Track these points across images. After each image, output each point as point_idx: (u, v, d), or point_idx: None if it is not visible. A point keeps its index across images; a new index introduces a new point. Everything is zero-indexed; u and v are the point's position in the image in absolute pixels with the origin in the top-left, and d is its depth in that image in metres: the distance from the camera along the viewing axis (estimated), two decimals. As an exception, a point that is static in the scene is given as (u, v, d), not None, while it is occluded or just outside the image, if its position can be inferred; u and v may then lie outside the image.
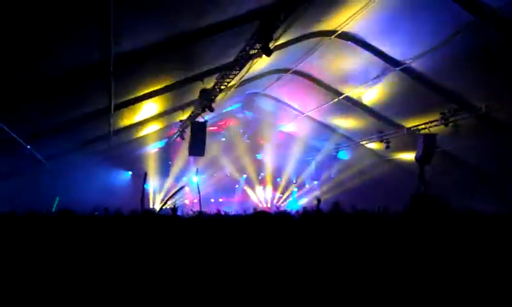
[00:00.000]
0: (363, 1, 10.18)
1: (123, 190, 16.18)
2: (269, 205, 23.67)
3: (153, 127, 16.51)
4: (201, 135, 14.16)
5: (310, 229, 5.08)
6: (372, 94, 14.32)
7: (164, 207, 13.44)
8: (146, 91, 12.00)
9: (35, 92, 8.87)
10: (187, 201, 21.68)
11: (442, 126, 13.18)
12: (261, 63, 12.17)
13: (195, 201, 21.23)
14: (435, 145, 13.95)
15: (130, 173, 19.85)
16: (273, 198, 24.07)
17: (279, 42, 10.83)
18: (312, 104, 17.13)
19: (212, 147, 19.79)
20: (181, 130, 16.14)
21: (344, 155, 20.20)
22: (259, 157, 24.05)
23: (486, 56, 10.17)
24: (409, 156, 15.79)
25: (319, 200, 6.87)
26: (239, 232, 4.54)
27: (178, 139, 16.93)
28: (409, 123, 14.87)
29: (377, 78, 13.06)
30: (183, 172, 20.92)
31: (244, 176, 23.98)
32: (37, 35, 7.02)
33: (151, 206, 19.30)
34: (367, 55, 12.21)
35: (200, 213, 5.94)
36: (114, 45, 8.08)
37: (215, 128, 21.36)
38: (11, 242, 4.11)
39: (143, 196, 9.43)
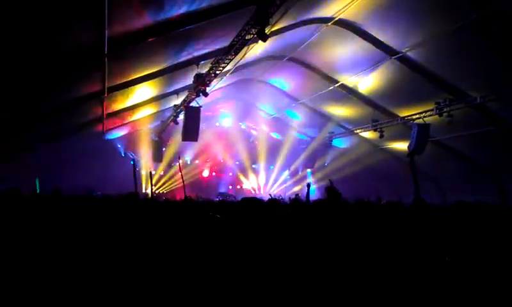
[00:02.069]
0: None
1: (118, 173, 16.17)
2: (262, 192, 23.82)
3: (147, 111, 16.46)
4: (195, 121, 14.10)
5: (299, 216, 5.17)
6: (367, 82, 14.34)
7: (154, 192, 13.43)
8: (140, 75, 11.96)
9: (28, 73, 8.80)
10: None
11: (436, 116, 13.28)
12: (257, 49, 12.28)
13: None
14: (428, 135, 14.01)
15: (123, 153, 19.91)
16: (266, 185, 24.23)
17: (275, 28, 10.75)
18: (307, 91, 17.12)
19: (206, 132, 19.79)
20: (175, 115, 16.08)
21: (339, 143, 20.27)
22: (252, 140, 24.18)
23: (482, 47, 10.21)
24: (403, 145, 15.88)
25: (308, 185, 6.99)
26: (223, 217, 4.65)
27: (172, 124, 16.89)
28: (404, 113, 14.94)
29: (373, 66, 13.10)
30: (177, 157, 20.93)
31: (237, 162, 24.11)
32: (32, 16, 6.94)
33: (144, 190, 19.36)
34: (363, 43, 12.19)
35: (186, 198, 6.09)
36: (109, 27, 8.01)
37: (209, 113, 21.30)
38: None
39: (136, 180, 9.42)
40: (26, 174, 12.73)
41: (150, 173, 9.09)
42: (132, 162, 15.69)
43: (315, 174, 21.43)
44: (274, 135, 23.64)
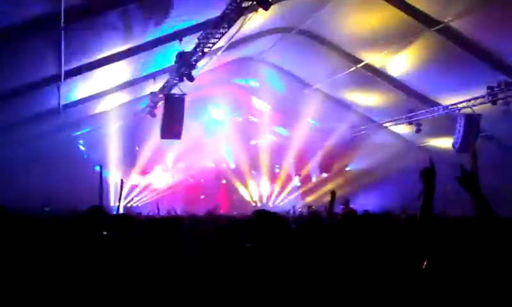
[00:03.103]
0: None
1: (78, 181, 16.23)
2: (265, 203, 23.81)
3: (116, 101, 16.52)
4: (177, 113, 14.06)
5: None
6: (399, 62, 14.37)
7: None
8: (106, 54, 11.98)
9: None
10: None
11: (489, 105, 13.28)
12: (257, 20, 12.21)
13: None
14: (479, 129, 14.08)
15: (85, 155, 19.99)
16: (270, 194, 24.20)
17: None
18: (322, 74, 17.15)
19: (192, 128, 19.73)
20: (152, 105, 16.11)
21: (364, 140, 20.25)
22: (253, 142, 24.13)
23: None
24: (446, 142, 15.94)
25: (333, 194, 6.88)
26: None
27: (148, 117, 16.89)
28: (447, 100, 15.01)
29: (407, 41, 13.06)
30: (154, 159, 21.05)
31: (233, 165, 24.11)
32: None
33: (112, 203, 19.36)
34: (394, 11, 12.13)
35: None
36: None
37: (195, 102, 21.26)
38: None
39: (101, 190, 9.45)
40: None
41: (122, 181, 9.12)
42: (98, 168, 15.69)
43: (335, 180, 21.44)
44: (279, 130, 23.60)
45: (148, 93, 15.98)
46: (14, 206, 6.18)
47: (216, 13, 10.89)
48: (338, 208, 11.69)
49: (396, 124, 17.59)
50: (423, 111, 15.82)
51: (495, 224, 3.61)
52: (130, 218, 5.73)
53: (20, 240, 4.72)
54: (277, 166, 24.03)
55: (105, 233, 4.76)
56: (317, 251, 4.66)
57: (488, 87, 13.11)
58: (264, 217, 4.02)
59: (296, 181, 24.02)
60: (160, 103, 14.90)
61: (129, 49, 12.10)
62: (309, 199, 21.82)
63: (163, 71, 14.55)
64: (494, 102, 13.09)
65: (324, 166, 21.73)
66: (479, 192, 3.48)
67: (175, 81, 13.51)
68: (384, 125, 18.26)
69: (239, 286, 3.74)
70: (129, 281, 4.06)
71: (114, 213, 10.33)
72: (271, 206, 23.11)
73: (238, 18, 10.46)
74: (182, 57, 12.30)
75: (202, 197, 22.77)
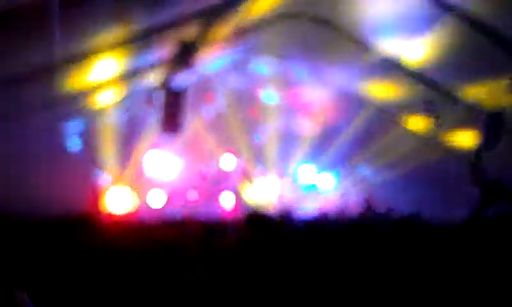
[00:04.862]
0: None
1: (68, 180, 16.06)
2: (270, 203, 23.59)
3: (112, 93, 16.38)
4: (178, 106, 14.19)
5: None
6: (416, 51, 14.29)
7: None
8: (102, 42, 11.84)
9: None
10: None
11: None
12: (264, 5, 12.46)
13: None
14: (503, 125, 14.19)
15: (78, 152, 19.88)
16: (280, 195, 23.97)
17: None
18: (333, 64, 17.14)
19: (192, 121, 19.64)
20: (150, 97, 16.07)
21: (377, 134, 20.13)
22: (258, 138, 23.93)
23: None
24: (466, 137, 16.30)
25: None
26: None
27: (146, 110, 16.91)
28: (468, 93, 15.00)
29: (425, 28, 12.90)
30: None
31: (238, 165, 23.91)
32: None
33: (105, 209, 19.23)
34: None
35: None
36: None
37: (198, 95, 21.20)
38: None
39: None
40: None
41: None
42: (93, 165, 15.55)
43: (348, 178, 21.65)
44: (288, 125, 23.38)
45: (147, 84, 16.01)
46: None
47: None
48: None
49: (413, 118, 17.74)
50: (442, 105, 15.66)
51: None
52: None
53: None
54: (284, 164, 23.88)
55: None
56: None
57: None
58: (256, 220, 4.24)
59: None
60: (160, 96, 14.79)
61: (127, 37, 11.86)
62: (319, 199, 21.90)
63: (163, 61, 14.37)
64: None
65: (335, 163, 21.64)
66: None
67: (175, 72, 13.60)
68: (400, 119, 18.50)
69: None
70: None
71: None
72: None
73: (243, 3, 10.40)
74: (183, 46, 12.45)
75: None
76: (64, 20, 9.07)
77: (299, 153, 22.42)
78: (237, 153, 23.57)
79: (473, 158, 14.14)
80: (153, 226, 5.66)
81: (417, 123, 17.86)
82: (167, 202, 18.21)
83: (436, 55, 13.96)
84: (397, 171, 18.44)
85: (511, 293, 3.71)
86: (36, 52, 10.79)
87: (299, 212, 15.53)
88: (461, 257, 4.33)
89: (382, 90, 17.43)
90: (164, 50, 13.45)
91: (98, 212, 18.18)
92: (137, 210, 19.93)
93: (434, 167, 18.20)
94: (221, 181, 23.77)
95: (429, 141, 18.31)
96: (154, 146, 19.74)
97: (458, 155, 17.53)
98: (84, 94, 15.01)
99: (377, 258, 4.61)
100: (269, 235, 4.54)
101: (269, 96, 22.30)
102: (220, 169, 23.74)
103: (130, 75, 15.06)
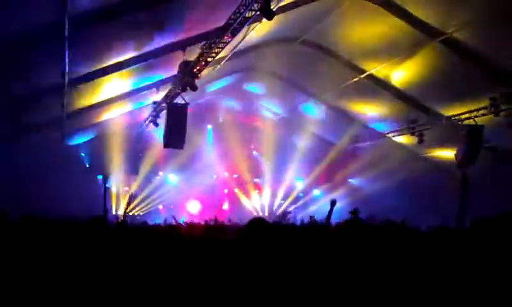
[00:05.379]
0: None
1: (80, 190, 16.26)
2: (266, 213, 23.84)
3: (119, 110, 16.63)
4: (180, 122, 14.04)
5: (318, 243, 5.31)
6: (403, 72, 14.39)
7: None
8: (110, 63, 12.08)
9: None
10: (160, 206, 22.17)
11: (491, 116, 13.26)
12: (260, 30, 12.32)
13: (171, 207, 21.63)
14: (482, 140, 14.00)
15: (88, 164, 20.07)
16: (272, 205, 24.24)
17: (283, 3, 10.84)
18: (325, 84, 17.19)
19: (195, 138, 19.79)
20: (154, 114, 16.10)
21: (366, 150, 20.27)
22: (255, 153, 24.25)
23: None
24: (449, 153, 15.90)
25: (333, 203, 6.97)
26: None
27: (151, 126, 16.82)
28: (450, 111, 14.99)
29: (411, 52, 13.13)
30: (156, 168, 21.26)
31: (236, 175, 24.18)
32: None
33: (114, 212, 19.40)
34: (397, 22, 12.22)
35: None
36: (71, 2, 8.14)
37: (198, 112, 21.35)
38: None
39: (105, 199, 9.51)
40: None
41: (131, 196, 9.11)
42: (100, 177, 15.55)
43: (338, 189, 21.37)
44: (282, 141, 23.62)
45: (151, 102, 16.02)
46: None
47: (219, 22, 10.93)
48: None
49: (399, 134, 17.62)
50: (425, 122, 15.83)
51: None
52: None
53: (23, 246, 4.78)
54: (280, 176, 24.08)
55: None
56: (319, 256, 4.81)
57: (491, 99, 13.03)
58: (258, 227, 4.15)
59: (298, 191, 24.16)
60: (164, 113, 14.85)
61: (133, 58, 12.19)
62: (312, 208, 21.77)
63: (166, 81, 14.64)
64: (497, 113, 13.03)
65: (326, 176, 21.71)
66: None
67: (178, 91, 13.56)
68: (387, 135, 18.28)
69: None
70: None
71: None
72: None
73: (241, 28, 10.50)
74: (186, 66, 12.35)
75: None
76: (77, 42, 9.39)
77: (294, 165, 22.59)
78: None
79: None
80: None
81: (402, 139, 17.88)
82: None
83: (419, 76, 14.06)
84: (383, 181, 18.41)
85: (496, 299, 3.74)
86: (50, 72, 11.20)
87: (292, 220, 15.51)
88: (448, 262, 4.37)
89: (368, 108, 17.37)
90: (169, 70, 13.71)
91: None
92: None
93: (416, 179, 18.13)
94: None
95: (414, 155, 18.40)
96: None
97: (441, 168, 17.67)
98: (93, 111, 15.26)
99: (363, 262, 4.53)
100: (268, 239, 4.37)
101: (265, 111, 22.69)
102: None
103: (137, 93, 15.29)
